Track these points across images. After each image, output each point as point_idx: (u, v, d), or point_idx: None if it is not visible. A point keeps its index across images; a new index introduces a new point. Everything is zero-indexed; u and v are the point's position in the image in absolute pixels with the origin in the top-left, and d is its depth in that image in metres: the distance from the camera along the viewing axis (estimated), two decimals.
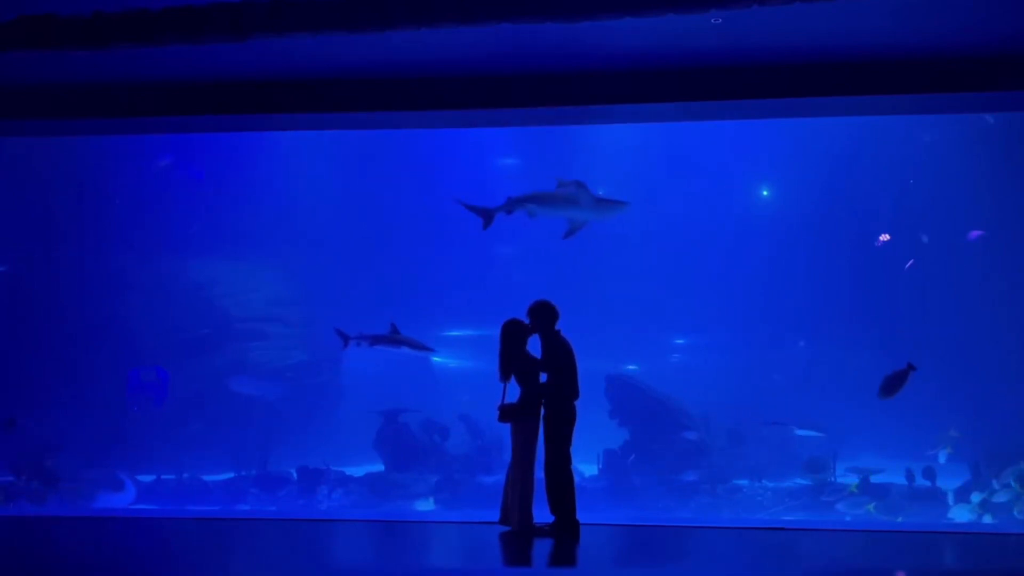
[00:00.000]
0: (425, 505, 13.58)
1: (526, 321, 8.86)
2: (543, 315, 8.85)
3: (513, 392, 8.75)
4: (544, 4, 7.47)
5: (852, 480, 13.50)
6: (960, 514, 12.49)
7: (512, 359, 8.72)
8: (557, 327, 8.86)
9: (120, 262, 16.74)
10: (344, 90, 10.49)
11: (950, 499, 12.80)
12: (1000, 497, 12.47)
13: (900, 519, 12.39)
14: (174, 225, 17.28)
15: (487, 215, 12.58)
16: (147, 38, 8.00)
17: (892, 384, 11.36)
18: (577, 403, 8.84)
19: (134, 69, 9.98)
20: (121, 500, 13.78)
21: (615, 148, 18.31)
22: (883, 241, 15.77)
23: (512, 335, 8.77)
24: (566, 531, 8.62)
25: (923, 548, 8.63)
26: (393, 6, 7.64)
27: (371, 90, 10.47)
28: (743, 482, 13.91)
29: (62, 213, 16.64)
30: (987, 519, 12.23)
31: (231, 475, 14.64)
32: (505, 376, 8.72)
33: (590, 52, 9.62)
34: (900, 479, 13.37)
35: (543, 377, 8.77)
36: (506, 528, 8.71)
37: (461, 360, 17.94)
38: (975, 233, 16.06)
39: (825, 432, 13.97)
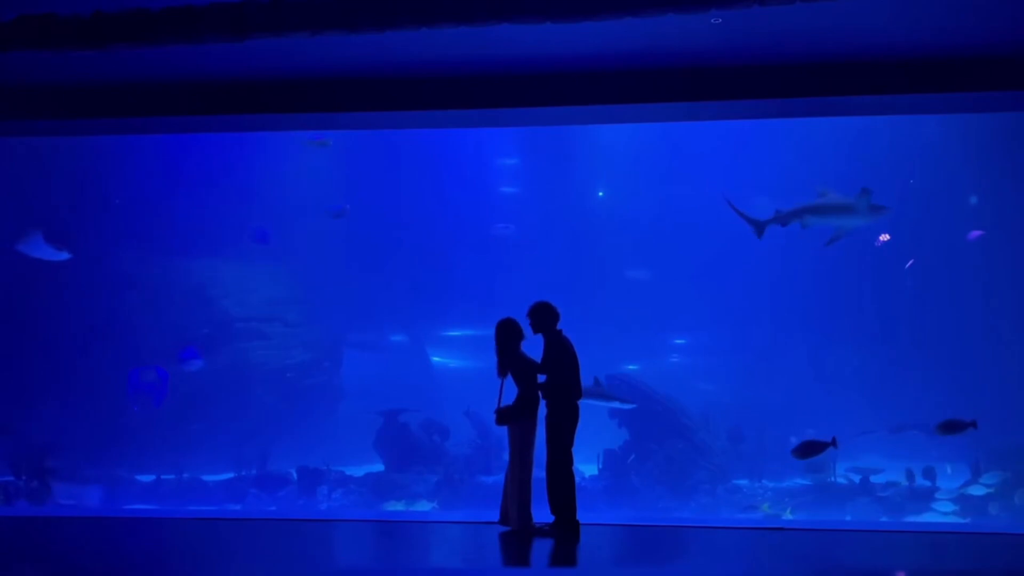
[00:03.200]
0: (422, 506, 13.59)
1: (524, 322, 8.88)
2: (543, 316, 8.86)
3: (509, 393, 8.76)
4: (544, 4, 7.47)
5: (854, 479, 13.56)
6: (942, 507, 12.64)
7: (507, 357, 8.73)
8: (558, 327, 8.88)
9: (120, 262, 16.75)
10: (344, 90, 10.49)
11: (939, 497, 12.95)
12: (976, 491, 12.64)
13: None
14: (174, 225, 17.29)
15: (759, 226, 12.52)
16: (147, 38, 8.00)
17: (808, 450, 11.41)
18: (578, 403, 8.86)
19: (134, 69, 9.98)
20: (91, 498, 13.77)
21: (615, 148, 18.34)
22: (883, 241, 15.77)
23: (507, 333, 8.79)
24: (566, 531, 8.62)
25: (923, 548, 8.63)
26: (393, 6, 7.64)
27: (371, 90, 10.47)
28: (743, 482, 13.93)
29: (62, 213, 16.64)
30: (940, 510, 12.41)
31: (231, 475, 14.65)
32: (502, 372, 8.74)
33: (590, 52, 9.62)
34: (900, 479, 13.41)
35: (541, 378, 8.78)
36: (506, 528, 8.71)
37: (461, 360, 17.97)
38: (975, 233, 16.07)
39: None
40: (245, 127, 12.65)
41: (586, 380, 8.95)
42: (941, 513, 12.61)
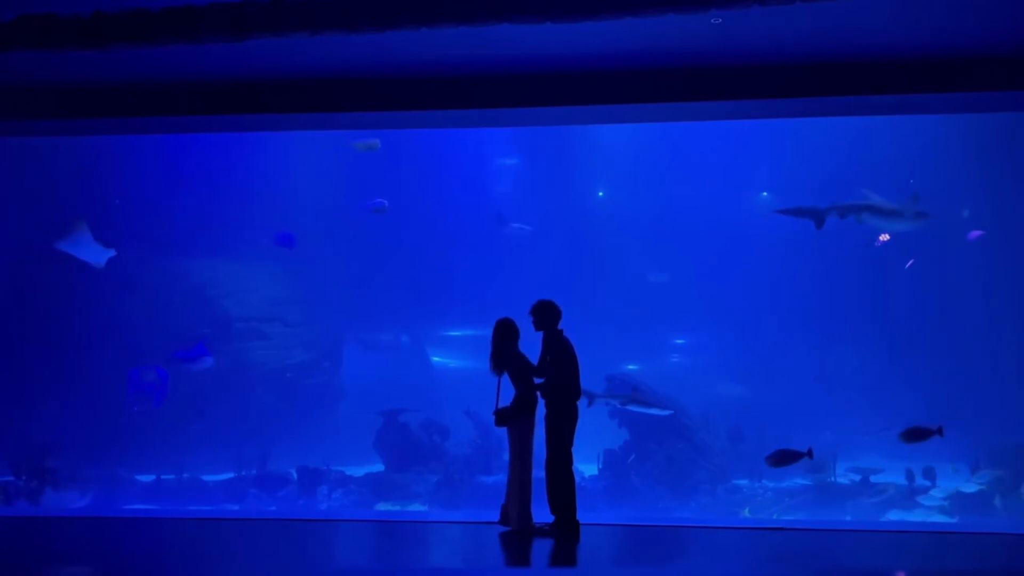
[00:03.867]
0: (416, 507, 13.59)
1: (524, 321, 8.88)
2: (545, 314, 8.86)
3: (508, 394, 8.75)
4: (544, 4, 7.47)
5: (855, 478, 13.57)
6: (929, 502, 12.66)
7: (505, 356, 8.74)
8: (560, 327, 8.88)
9: (120, 262, 16.73)
10: (344, 90, 10.49)
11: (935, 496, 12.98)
12: (967, 488, 12.64)
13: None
14: (174, 225, 17.28)
15: (817, 216, 12.30)
16: (147, 38, 8.00)
17: (784, 458, 11.31)
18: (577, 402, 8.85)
19: (134, 69, 9.98)
20: (90, 498, 13.76)
21: (615, 148, 18.34)
22: (882, 241, 15.78)
23: (504, 333, 8.79)
24: (566, 531, 8.62)
25: (922, 548, 8.63)
26: (393, 6, 7.64)
27: (371, 90, 10.47)
28: (743, 482, 13.93)
29: (62, 213, 16.61)
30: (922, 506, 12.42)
31: (231, 475, 14.65)
32: (498, 370, 8.74)
33: (590, 52, 9.62)
34: (900, 479, 13.42)
35: (539, 379, 8.78)
36: (506, 528, 8.70)
37: (461, 360, 17.98)
38: (975, 233, 16.07)
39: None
40: (245, 127, 12.65)
41: (586, 381, 8.94)
42: (926, 508, 12.60)
